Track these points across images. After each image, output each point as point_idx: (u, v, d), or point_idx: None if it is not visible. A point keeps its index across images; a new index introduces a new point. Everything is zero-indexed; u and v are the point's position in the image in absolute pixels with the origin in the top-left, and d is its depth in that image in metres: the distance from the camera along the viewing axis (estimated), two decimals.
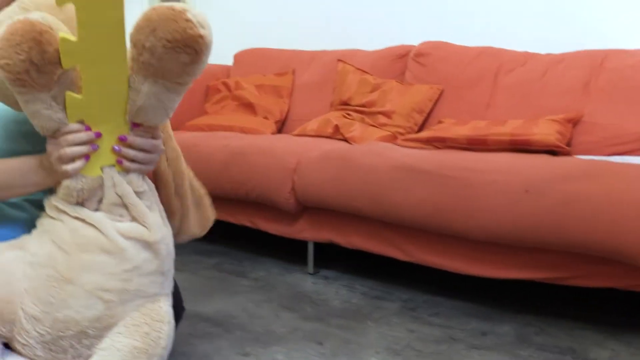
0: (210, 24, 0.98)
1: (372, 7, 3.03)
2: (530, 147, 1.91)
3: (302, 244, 2.21)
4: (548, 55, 2.37)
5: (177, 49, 0.92)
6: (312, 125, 2.51)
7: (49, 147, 1.02)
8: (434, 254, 1.86)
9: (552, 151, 1.92)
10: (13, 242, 1.08)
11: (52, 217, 1.05)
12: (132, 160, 1.04)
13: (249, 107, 2.85)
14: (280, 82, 2.91)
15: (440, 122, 2.33)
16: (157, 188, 1.15)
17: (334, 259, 2.30)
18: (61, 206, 1.04)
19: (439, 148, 2.00)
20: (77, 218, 1.03)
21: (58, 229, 1.04)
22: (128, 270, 1.04)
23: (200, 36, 0.93)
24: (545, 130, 1.95)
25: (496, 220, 1.65)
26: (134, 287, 1.05)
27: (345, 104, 2.58)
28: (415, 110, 2.40)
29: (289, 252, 2.35)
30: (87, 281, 1.02)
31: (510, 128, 2.00)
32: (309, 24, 3.25)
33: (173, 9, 0.92)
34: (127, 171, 1.04)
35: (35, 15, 0.92)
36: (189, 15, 0.93)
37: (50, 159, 1.02)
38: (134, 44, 0.94)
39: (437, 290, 1.99)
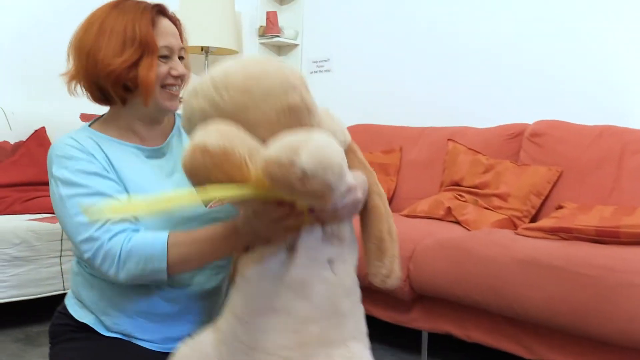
0: (330, 159, 0.81)
1: (482, 84, 3.01)
2: None
3: (416, 333, 2.13)
4: None
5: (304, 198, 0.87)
6: (423, 206, 2.47)
7: (259, 220, 0.99)
8: (562, 354, 1.74)
9: None
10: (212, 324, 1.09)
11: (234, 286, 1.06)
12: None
13: None
14: (388, 159, 2.91)
15: (560, 206, 2.23)
16: (371, 223, 1.11)
17: (449, 349, 2.21)
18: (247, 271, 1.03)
19: (564, 239, 1.90)
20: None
21: (234, 299, 1.04)
22: (298, 322, 0.99)
23: (316, 192, 0.82)
24: None
25: (638, 327, 1.52)
26: (309, 338, 0.99)
27: (457, 184, 2.53)
28: (533, 193, 2.31)
29: (402, 340, 2.28)
30: (267, 344, 0.99)
31: None
32: (417, 99, 3.26)
33: (280, 164, 0.81)
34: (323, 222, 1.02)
35: (214, 141, 0.88)
36: (299, 172, 0.80)
37: (258, 227, 1.00)
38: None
39: None
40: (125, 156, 1.20)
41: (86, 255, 1.08)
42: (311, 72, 3.78)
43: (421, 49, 3.25)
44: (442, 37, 3.16)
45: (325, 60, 3.70)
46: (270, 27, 3.75)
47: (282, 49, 3.95)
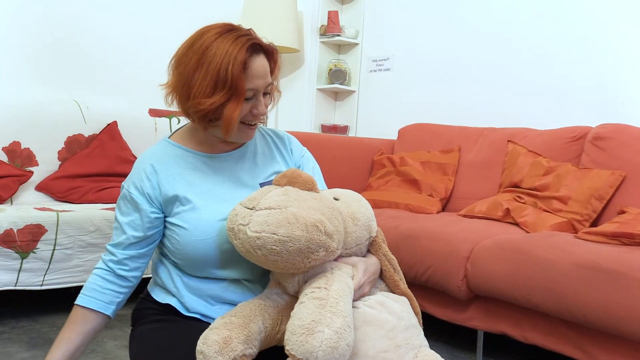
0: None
1: (543, 86, 2.98)
2: None
3: (472, 332, 2.16)
4: None
5: None
6: (481, 207, 2.48)
7: None
8: (622, 359, 1.73)
9: None
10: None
11: None
12: None
13: (413, 183, 2.89)
14: (446, 159, 2.92)
15: (622, 211, 2.20)
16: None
17: (504, 349, 2.22)
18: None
19: (626, 244, 1.88)
20: None
21: None
22: (390, 329, 1.19)
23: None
24: None
25: None
26: (400, 341, 1.19)
27: (516, 186, 2.52)
28: (594, 196, 2.29)
29: (458, 339, 2.30)
30: (368, 351, 1.15)
31: None
32: (477, 99, 3.26)
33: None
34: None
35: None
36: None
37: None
38: None
39: None
40: (194, 164, 1.35)
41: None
42: (371, 71, 3.82)
43: (482, 48, 3.24)
44: (504, 37, 3.15)
45: (385, 59, 3.74)
46: (331, 26, 3.81)
47: (342, 48, 4.00)
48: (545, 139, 2.62)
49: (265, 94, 1.32)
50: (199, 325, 1.22)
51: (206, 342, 1.10)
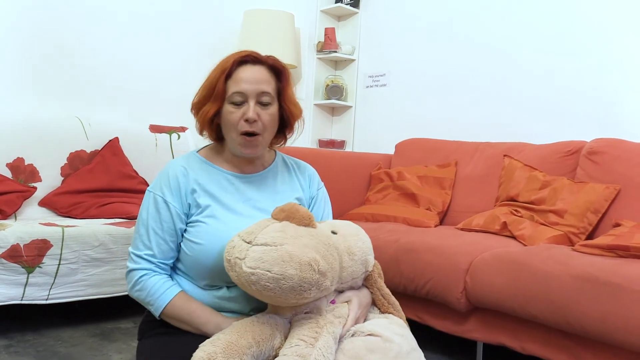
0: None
1: (538, 101, 3.05)
2: None
3: (471, 344, 2.19)
4: None
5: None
6: (478, 220, 2.53)
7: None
8: None
9: None
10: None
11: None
12: None
13: (411, 197, 2.94)
14: (443, 173, 2.98)
15: (617, 224, 2.25)
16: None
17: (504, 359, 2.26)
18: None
19: (621, 257, 1.93)
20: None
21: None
22: (394, 357, 1.23)
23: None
24: None
25: None
26: None
27: (513, 199, 2.58)
28: (590, 210, 2.34)
29: (457, 350, 2.34)
30: None
31: None
32: (473, 114, 3.32)
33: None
34: None
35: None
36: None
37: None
38: None
39: None
40: (219, 180, 1.43)
41: (128, 261, 1.41)
42: (367, 87, 3.89)
43: (478, 63, 3.31)
44: (499, 52, 3.22)
45: (381, 75, 3.80)
46: (328, 43, 3.88)
47: (338, 64, 4.07)
48: (541, 154, 2.68)
49: (265, 104, 1.39)
50: (204, 337, 1.26)
51: (194, 359, 1.15)
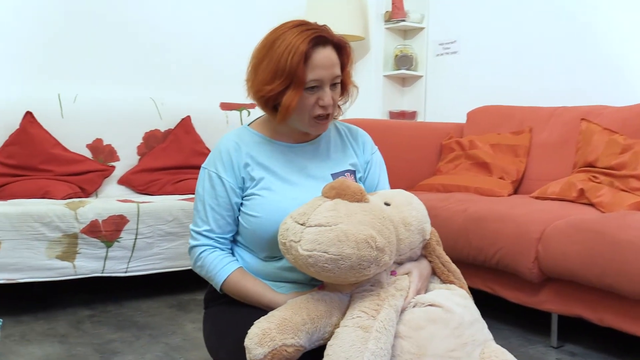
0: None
1: (617, 60, 2.86)
2: None
3: (545, 315, 2.12)
4: None
5: None
6: (554, 188, 2.41)
7: None
8: None
9: None
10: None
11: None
12: None
13: (483, 166, 2.85)
14: (517, 140, 2.86)
15: None
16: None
17: (581, 332, 2.16)
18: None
19: None
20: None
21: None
22: (456, 327, 1.20)
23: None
24: None
25: None
26: (467, 338, 1.20)
27: (591, 165, 2.44)
28: None
29: (531, 322, 2.26)
30: (436, 350, 1.17)
31: None
32: (548, 78, 3.16)
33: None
34: None
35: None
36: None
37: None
38: None
39: None
40: (271, 151, 1.42)
41: (189, 238, 1.44)
42: (437, 55, 3.78)
43: (551, 24, 3.14)
44: (574, 11, 3.03)
45: (451, 42, 3.68)
46: (395, 12, 3.79)
47: (407, 33, 3.98)
48: (622, 116, 2.51)
49: (334, 84, 1.36)
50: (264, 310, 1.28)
51: (248, 336, 1.15)
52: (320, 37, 1.33)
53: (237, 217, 1.42)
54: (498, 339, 2.09)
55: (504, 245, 2.09)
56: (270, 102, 1.37)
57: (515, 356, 1.87)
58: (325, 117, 1.38)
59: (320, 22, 1.40)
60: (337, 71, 1.36)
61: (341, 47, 1.38)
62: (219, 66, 3.49)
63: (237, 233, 1.44)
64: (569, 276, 1.93)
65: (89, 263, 2.30)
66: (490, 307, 2.44)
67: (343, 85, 1.43)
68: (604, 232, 1.84)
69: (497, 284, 2.23)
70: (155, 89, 3.28)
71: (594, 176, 2.38)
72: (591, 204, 2.25)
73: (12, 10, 2.97)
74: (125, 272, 2.40)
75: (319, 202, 1.22)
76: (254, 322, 1.18)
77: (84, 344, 2.01)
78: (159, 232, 2.44)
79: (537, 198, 2.44)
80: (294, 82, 1.31)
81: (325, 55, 1.34)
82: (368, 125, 2.20)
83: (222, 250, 1.42)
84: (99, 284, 2.70)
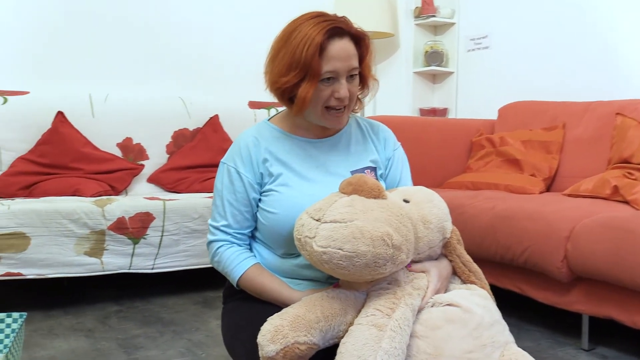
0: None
1: None
2: None
3: (576, 316, 2.05)
4: None
5: None
6: (587, 185, 2.34)
7: None
8: None
9: None
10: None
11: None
12: None
13: (514, 163, 2.78)
14: (549, 137, 2.78)
15: None
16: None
17: (614, 334, 2.09)
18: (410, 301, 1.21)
19: None
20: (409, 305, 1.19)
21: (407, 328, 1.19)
22: (474, 328, 1.17)
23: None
24: None
25: None
26: (486, 340, 1.17)
27: (626, 161, 2.35)
28: None
29: (561, 323, 2.20)
30: (453, 351, 1.14)
31: None
32: (581, 73, 3.07)
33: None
34: None
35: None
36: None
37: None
38: None
39: None
40: (290, 147, 1.41)
41: (208, 233, 1.44)
42: (469, 50, 3.71)
43: (584, 18, 3.04)
44: (607, 6, 2.93)
45: (483, 37, 3.61)
46: (425, 8, 3.74)
47: (438, 29, 3.92)
48: None
49: (351, 76, 1.34)
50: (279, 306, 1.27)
51: (261, 332, 1.14)
52: (336, 28, 1.31)
53: (255, 212, 1.41)
54: (527, 341, 2.06)
55: (532, 244, 2.03)
56: (287, 94, 1.35)
57: (544, 359, 1.83)
58: (339, 110, 1.36)
59: (351, 20, 1.37)
60: (354, 63, 1.34)
61: (359, 39, 1.36)
62: (247, 65, 3.49)
63: (255, 229, 1.44)
64: (599, 275, 1.87)
65: (116, 259, 2.34)
66: (519, 307, 2.37)
67: (363, 78, 1.40)
68: (635, 230, 1.76)
69: (525, 283, 2.16)
70: (184, 89, 3.32)
71: (629, 172, 2.29)
72: (626, 202, 2.17)
73: (44, 11, 3.04)
74: (152, 268, 2.42)
75: (335, 197, 1.20)
76: (267, 319, 1.17)
77: (108, 339, 2.04)
78: (185, 229, 2.46)
79: (569, 195, 2.37)
80: (309, 73, 1.30)
81: (341, 47, 1.31)
82: (397, 123, 2.18)
83: (240, 245, 1.41)
84: (128, 280, 2.74)
